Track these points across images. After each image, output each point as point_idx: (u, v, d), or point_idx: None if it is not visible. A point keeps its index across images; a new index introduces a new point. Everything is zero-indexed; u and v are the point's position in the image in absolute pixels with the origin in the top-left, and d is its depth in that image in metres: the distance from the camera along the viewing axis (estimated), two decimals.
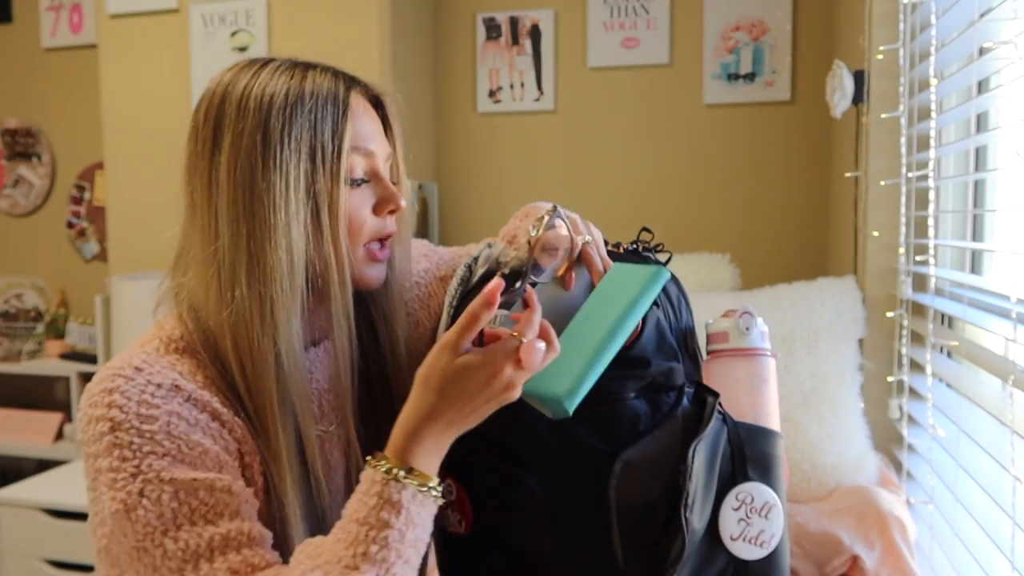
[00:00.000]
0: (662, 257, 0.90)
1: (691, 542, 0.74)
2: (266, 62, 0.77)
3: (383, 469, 0.66)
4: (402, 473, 0.66)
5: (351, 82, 0.79)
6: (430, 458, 0.68)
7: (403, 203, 0.80)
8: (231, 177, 0.73)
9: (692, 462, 0.73)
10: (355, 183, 0.77)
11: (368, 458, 0.69)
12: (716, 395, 0.79)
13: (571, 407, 0.68)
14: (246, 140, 0.72)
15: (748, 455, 0.78)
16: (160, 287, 0.81)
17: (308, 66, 0.78)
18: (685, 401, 0.78)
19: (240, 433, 0.73)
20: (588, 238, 0.81)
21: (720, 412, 0.79)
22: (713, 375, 0.84)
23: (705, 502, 0.76)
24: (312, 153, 0.73)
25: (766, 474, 0.79)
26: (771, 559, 0.77)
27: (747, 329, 0.84)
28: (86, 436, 0.70)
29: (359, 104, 0.79)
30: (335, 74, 0.78)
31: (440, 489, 0.69)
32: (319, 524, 0.77)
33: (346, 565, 0.63)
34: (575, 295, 0.79)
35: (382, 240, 0.81)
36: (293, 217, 0.72)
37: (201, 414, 0.71)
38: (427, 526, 0.68)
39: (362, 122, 0.78)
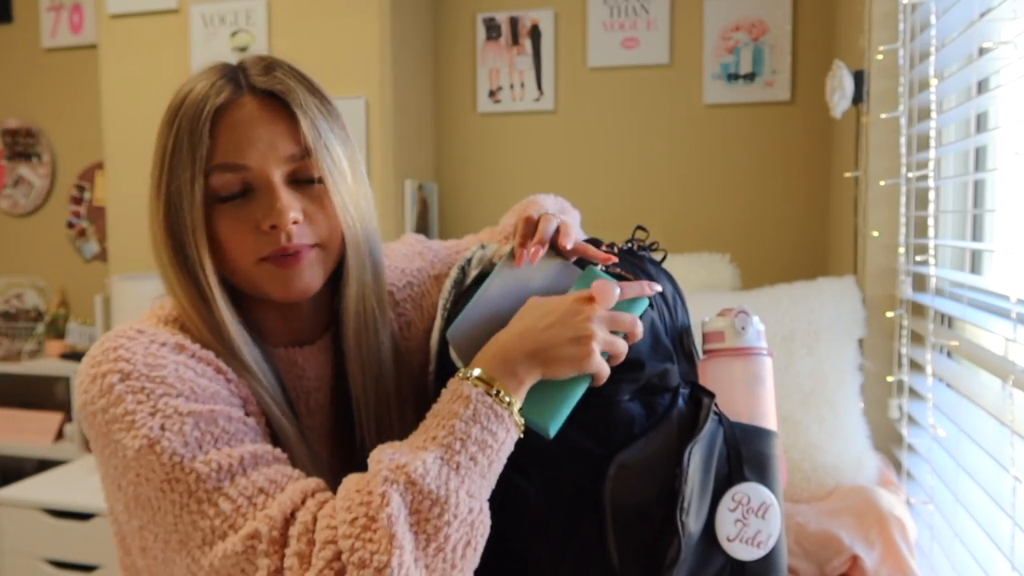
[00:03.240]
0: (657, 256, 0.90)
1: (687, 544, 0.73)
2: (210, 68, 0.78)
3: (464, 374, 0.71)
4: (474, 373, 0.70)
5: (239, 88, 0.75)
6: (504, 372, 0.70)
7: (292, 215, 0.73)
8: (154, 187, 0.76)
9: (687, 465, 0.73)
10: (222, 200, 0.74)
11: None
12: (712, 396, 0.79)
13: (552, 432, 0.72)
14: (154, 155, 0.76)
15: (744, 455, 0.78)
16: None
17: (210, 71, 0.77)
18: (680, 402, 0.78)
19: (245, 392, 0.74)
20: (547, 213, 0.81)
21: (716, 413, 0.78)
22: (709, 375, 0.84)
23: (701, 504, 0.76)
24: (174, 171, 0.73)
25: (763, 474, 0.78)
26: (768, 559, 0.77)
27: (743, 328, 0.83)
28: (91, 394, 0.69)
29: (242, 112, 0.74)
30: (222, 78, 0.75)
31: (512, 405, 0.69)
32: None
33: (416, 446, 0.66)
34: (532, 276, 0.79)
35: (290, 250, 0.75)
36: (187, 230, 0.73)
37: (207, 367, 0.72)
38: (496, 433, 0.68)
39: (236, 132, 0.74)
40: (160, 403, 0.67)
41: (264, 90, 0.76)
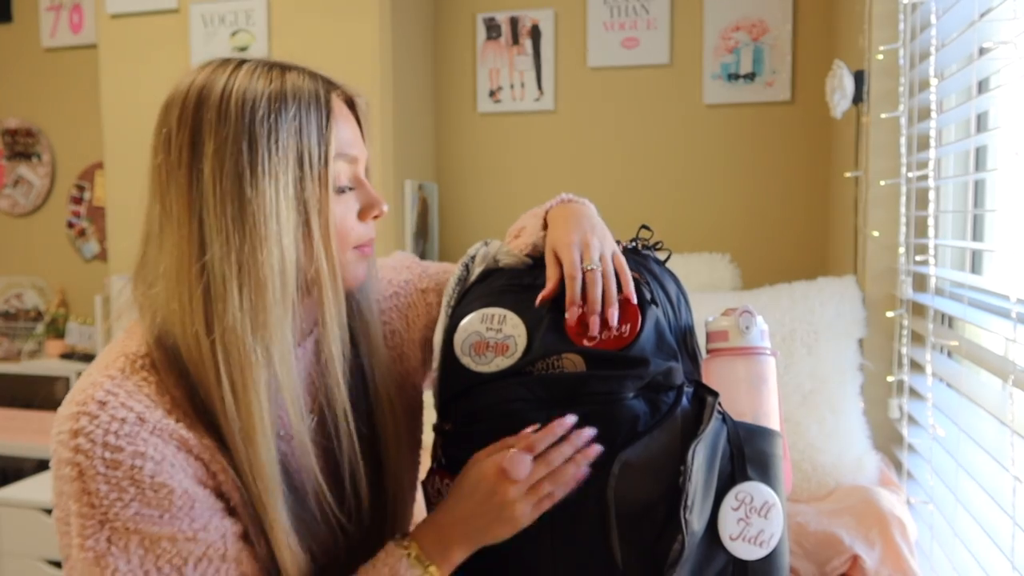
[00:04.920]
0: (661, 255, 0.90)
1: (691, 543, 0.73)
2: (239, 63, 0.75)
3: (402, 545, 0.75)
4: (416, 561, 0.74)
5: (329, 84, 0.77)
6: (439, 554, 0.75)
7: (385, 207, 0.80)
8: (217, 186, 0.69)
9: (692, 462, 0.73)
10: (340, 191, 0.76)
11: (397, 535, 0.77)
12: (715, 395, 0.79)
13: None
14: (231, 147, 0.69)
15: (748, 455, 0.78)
16: (121, 296, 0.80)
17: (285, 68, 0.75)
18: (684, 401, 0.78)
19: (208, 455, 0.71)
20: (592, 266, 0.81)
21: (720, 412, 0.78)
22: (713, 374, 0.84)
23: (704, 502, 0.76)
24: (300, 159, 0.72)
25: (765, 474, 0.78)
26: (771, 559, 0.77)
27: (747, 328, 0.83)
28: (57, 472, 0.70)
29: (340, 108, 0.77)
30: (312, 76, 0.76)
31: None
32: (309, 527, 0.77)
33: None
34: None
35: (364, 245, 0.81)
36: (284, 225, 0.71)
37: (167, 447, 0.69)
38: None
39: (344, 127, 0.77)
40: (111, 512, 0.67)
41: (345, 92, 0.79)
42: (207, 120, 0.71)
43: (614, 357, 0.77)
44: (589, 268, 0.81)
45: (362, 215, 0.79)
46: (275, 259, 0.70)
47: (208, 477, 0.72)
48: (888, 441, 1.69)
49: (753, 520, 0.76)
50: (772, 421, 0.83)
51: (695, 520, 0.74)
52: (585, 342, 0.78)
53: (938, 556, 1.39)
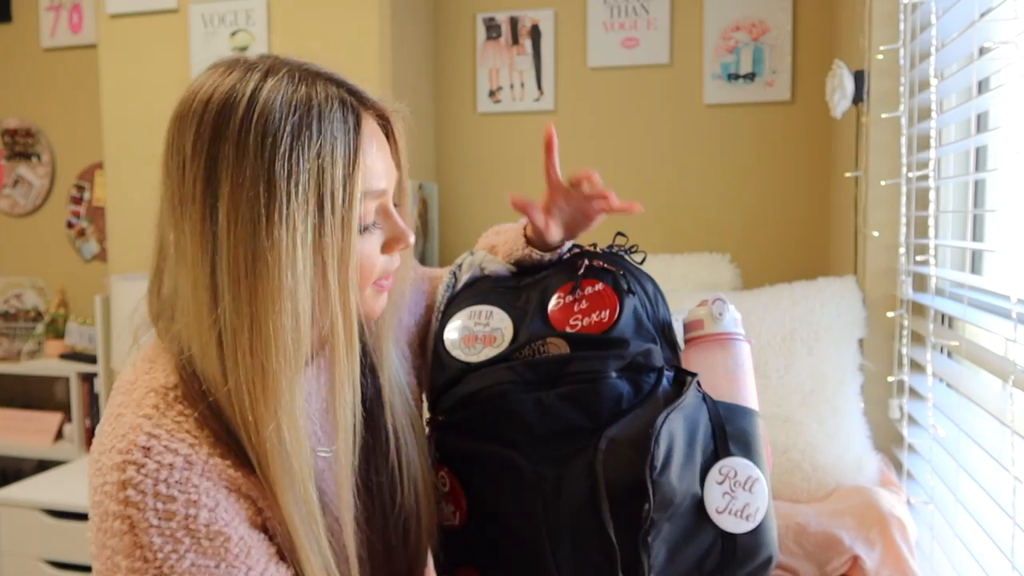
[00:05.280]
0: (637, 258, 0.93)
1: (669, 514, 0.75)
2: (264, 74, 0.67)
3: None
4: None
5: (360, 103, 0.70)
6: None
7: (412, 239, 0.76)
8: (231, 232, 0.64)
9: (660, 426, 0.75)
10: (365, 229, 0.71)
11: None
12: (694, 375, 0.82)
13: None
14: (247, 191, 0.64)
15: (729, 432, 0.81)
16: (136, 313, 0.76)
17: (312, 81, 0.68)
18: (665, 383, 0.81)
19: (256, 492, 0.68)
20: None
21: (700, 392, 0.82)
22: (691, 362, 0.87)
23: (685, 472, 0.77)
24: (320, 203, 0.65)
25: (748, 451, 0.81)
26: (758, 533, 0.79)
27: (720, 315, 0.87)
28: (102, 525, 0.65)
29: (370, 134, 0.70)
30: (342, 97, 0.69)
31: None
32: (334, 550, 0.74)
33: None
34: None
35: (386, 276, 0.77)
36: (300, 276, 0.65)
37: (218, 491, 0.66)
38: None
39: (374, 158, 0.70)
40: (166, 567, 0.64)
41: (377, 108, 0.73)
42: (224, 155, 0.65)
43: (596, 339, 0.81)
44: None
45: (387, 248, 0.75)
46: (287, 314, 0.65)
47: (256, 514, 0.69)
48: (888, 441, 1.69)
49: (738, 494, 0.78)
50: (750, 403, 0.86)
51: (671, 488, 0.75)
52: (568, 328, 0.82)
53: (938, 556, 1.38)
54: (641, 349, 0.80)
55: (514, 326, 0.85)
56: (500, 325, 0.85)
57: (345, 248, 0.67)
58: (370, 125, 0.71)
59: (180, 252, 0.68)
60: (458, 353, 0.84)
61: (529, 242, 0.94)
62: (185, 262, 0.67)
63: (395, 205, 0.76)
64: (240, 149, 0.65)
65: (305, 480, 0.68)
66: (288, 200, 0.64)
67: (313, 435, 0.77)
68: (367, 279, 0.73)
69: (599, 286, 0.85)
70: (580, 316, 0.83)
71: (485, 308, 0.87)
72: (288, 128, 0.65)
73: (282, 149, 0.64)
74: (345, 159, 0.67)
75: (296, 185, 0.64)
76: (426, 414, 0.91)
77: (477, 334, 0.85)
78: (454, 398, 0.83)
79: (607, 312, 0.83)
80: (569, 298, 0.85)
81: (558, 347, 0.82)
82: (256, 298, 0.65)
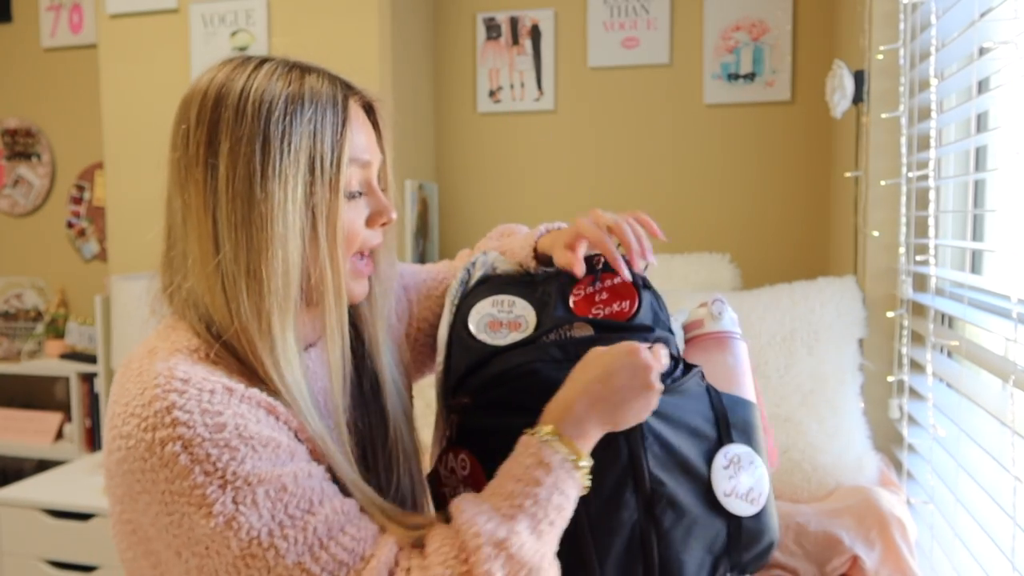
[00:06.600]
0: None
1: (658, 463, 0.79)
2: (260, 62, 0.76)
3: (539, 435, 0.73)
4: (551, 436, 0.73)
5: (347, 88, 0.78)
6: (578, 434, 0.74)
7: (394, 215, 0.81)
8: (230, 186, 0.71)
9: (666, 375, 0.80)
10: (351, 196, 0.77)
11: (526, 428, 0.75)
12: (698, 366, 0.86)
13: None
14: (244, 148, 0.71)
15: (731, 421, 0.84)
16: (153, 288, 0.80)
17: (305, 69, 0.76)
18: (678, 371, 0.85)
19: (296, 423, 0.72)
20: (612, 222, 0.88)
21: (703, 382, 0.85)
22: (692, 360, 0.89)
23: (696, 452, 0.81)
24: (311, 163, 0.73)
25: (749, 440, 0.84)
26: (761, 518, 0.82)
27: (719, 314, 0.91)
28: (149, 462, 0.66)
29: (356, 112, 0.78)
30: (332, 79, 0.77)
31: (586, 467, 0.73)
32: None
33: (504, 514, 0.69)
34: None
35: (365, 253, 0.81)
36: (290, 228, 0.72)
37: (259, 411, 0.70)
38: (570, 496, 0.72)
39: (359, 132, 0.78)
40: (228, 473, 0.65)
41: (363, 96, 0.80)
42: (224, 119, 0.72)
43: (621, 325, 0.85)
44: (610, 224, 0.88)
45: (370, 221, 0.80)
46: (278, 261, 0.71)
47: (298, 440, 0.73)
48: (888, 441, 1.69)
49: (743, 477, 0.82)
50: (750, 397, 0.89)
51: (669, 435, 0.79)
52: (591, 315, 0.86)
53: (938, 556, 1.39)
54: (663, 336, 0.85)
55: (537, 314, 0.87)
56: (523, 312, 0.87)
57: (332, 207, 0.74)
58: (355, 106, 0.78)
59: (186, 211, 0.74)
60: (484, 337, 0.86)
61: (539, 260, 0.96)
62: (191, 219, 0.73)
63: (381, 190, 0.82)
64: (239, 113, 0.72)
65: (314, 415, 0.74)
66: (281, 157, 0.71)
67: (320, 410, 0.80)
68: (351, 245, 0.78)
69: (618, 279, 0.88)
70: (602, 305, 0.86)
71: (508, 297, 0.89)
72: (284, 96, 0.73)
73: (277, 114, 0.72)
74: (334, 127, 0.74)
75: (289, 145, 0.72)
76: (425, 407, 0.92)
77: (502, 320, 0.87)
78: (484, 378, 0.84)
79: (627, 303, 0.86)
80: (590, 289, 0.88)
81: (584, 331, 0.84)
82: (252, 246, 0.71)
